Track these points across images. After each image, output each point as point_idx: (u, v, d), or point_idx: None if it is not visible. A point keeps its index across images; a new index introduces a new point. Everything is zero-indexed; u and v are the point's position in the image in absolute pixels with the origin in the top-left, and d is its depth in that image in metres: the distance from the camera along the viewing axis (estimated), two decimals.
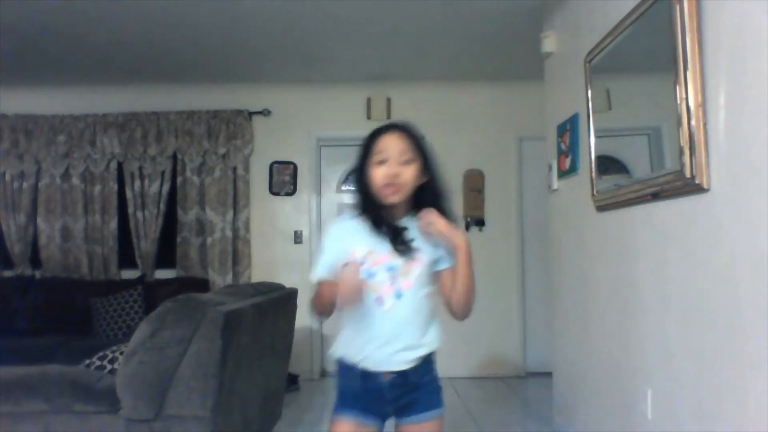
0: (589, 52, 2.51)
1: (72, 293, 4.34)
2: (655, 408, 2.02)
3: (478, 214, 4.65)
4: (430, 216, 1.39)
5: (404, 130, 1.46)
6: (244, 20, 3.46)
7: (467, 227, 4.65)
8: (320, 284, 1.46)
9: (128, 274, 4.64)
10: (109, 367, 2.10)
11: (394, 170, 1.39)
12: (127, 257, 4.68)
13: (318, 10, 3.32)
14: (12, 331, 4.10)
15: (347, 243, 1.43)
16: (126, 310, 4.13)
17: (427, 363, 1.46)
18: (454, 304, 1.45)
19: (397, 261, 1.40)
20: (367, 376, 1.43)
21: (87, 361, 2.15)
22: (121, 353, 2.03)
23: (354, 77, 4.62)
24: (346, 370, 1.47)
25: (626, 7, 2.13)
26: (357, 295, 1.31)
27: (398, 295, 1.40)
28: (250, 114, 4.68)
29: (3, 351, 3.47)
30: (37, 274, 4.66)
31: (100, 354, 2.17)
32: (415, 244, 1.42)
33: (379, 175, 1.40)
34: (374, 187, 1.42)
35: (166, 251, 4.67)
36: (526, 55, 3.71)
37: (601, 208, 2.49)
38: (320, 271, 1.46)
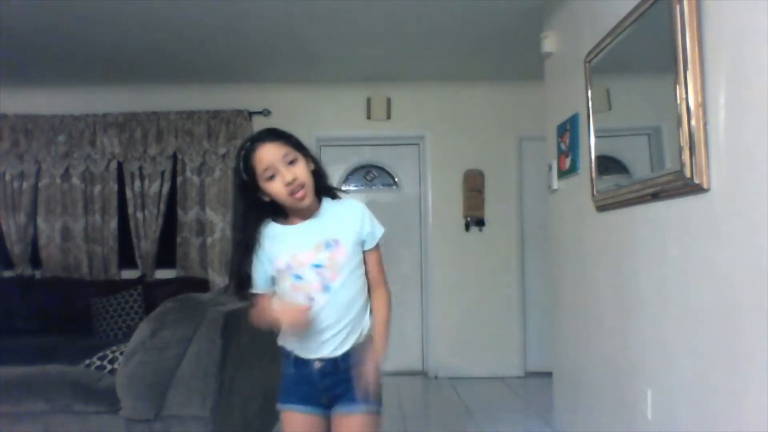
0: (589, 52, 2.51)
1: (72, 293, 4.34)
2: (655, 408, 2.02)
3: (478, 214, 4.65)
4: (368, 375, 1.43)
5: (275, 137, 1.45)
6: (244, 20, 3.46)
7: (467, 227, 4.66)
8: (258, 298, 1.49)
9: (128, 274, 4.64)
10: (109, 367, 2.10)
11: (289, 176, 1.38)
12: (127, 257, 4.68)
13: (318, 10, 3.32)
14: (12, 331, 4.10)
15: (272, 251, 1.44)
16: (126, 310, 4.13)
17: (356, 352, 1.46)
18: (372, 302, 1.51)
19: (321, 255, 1.41)
20: (300, 363, 1.46)
21: (87, 361, 2.15)
22: (121, 353, 2.03)
23: (354, 77, 4.62)
24: (284, 358, 1.51)
25: (626, 7, 2.13)
26: (304, 329, 1.38)
27: (326, 289, 1.41)
28: (250, 114, 4.68)
29: (3, 351, 3.47)
30: (37, 274, 4.66)
31: (100, 354, 2.17)
32: (335, 235, 1.43)
33: (278, 188, 1.39)
34: (281, 200, 1.41)
35: (166, 251, 4.67)
36: (526, 55, 3.72)
37: (601, 208, 2.49)
38: (256, 285, 1.47)
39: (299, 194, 1.39)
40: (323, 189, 1.49)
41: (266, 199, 1.43)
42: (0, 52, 3.86)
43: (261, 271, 1.46)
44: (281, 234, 1.45)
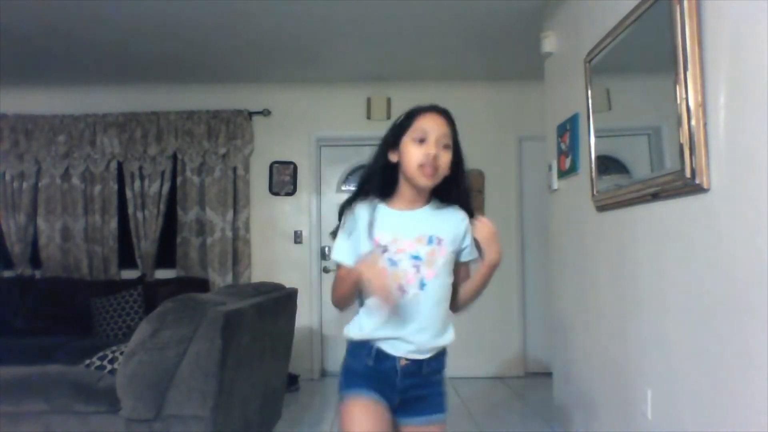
0: (589, 52, 2.51)
1: (72, 293, 4.34)
2: (655, 408, 2.02)
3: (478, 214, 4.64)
4: (489, 223, 1.38)
5: (447, 115, 1.42)
6: (244, 20, 3.46)
7: None
8: (342, 270, 1.41)
9: (128, 274, 4.64)
10: (109, 367, 2.10)
11: (434, 151, 1.34)
12: (127, 257, 4.68)
13: (318, 10, 3.32)
14: (12, 331, 4.10)
15: (371, 228, 1.38)
16: (126, 310, 4.13)
17: (440, 359, 1.43)
18: (458, 299, 1.45)
19: (422, 249, 1.37)
20: (383, 357, 1.38)
21: (87, 361, 2.15)
22: (121, 353, 2.03)
23: (354, 77, 4.62)
24: (359, 348, 1.41)
25: (626, 7, 2.13)
26: (391, 295, 1.28)
27: (422, 285, 1.36)
28: (250, 114, 4.68)
29: (3, 351, 3.47)
30: (37, 274, 4.66)
31: (100, 354, 2.17)
32: (440, 234, 1.39)
33: (417, 153, 1.34)
34: (407, 165, 1.36)
35: (166, 251, 4.67)
36: (526, 55, 3.71)
37: (601, 208, 2.49)
38: (343, 255, 1.40)
39: (428, 171, 1.33)
40: (448, 196, 1.44)
41: (393, 159, 1.39)
42: (0, 52, 3.86)
43: (353, 243, 1.39)
44: (384, 214, 1.40)
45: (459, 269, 1.45)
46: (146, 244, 4.63)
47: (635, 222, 2.19)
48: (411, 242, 1.37)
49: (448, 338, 1.44)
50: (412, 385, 1.40)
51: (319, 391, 4.24)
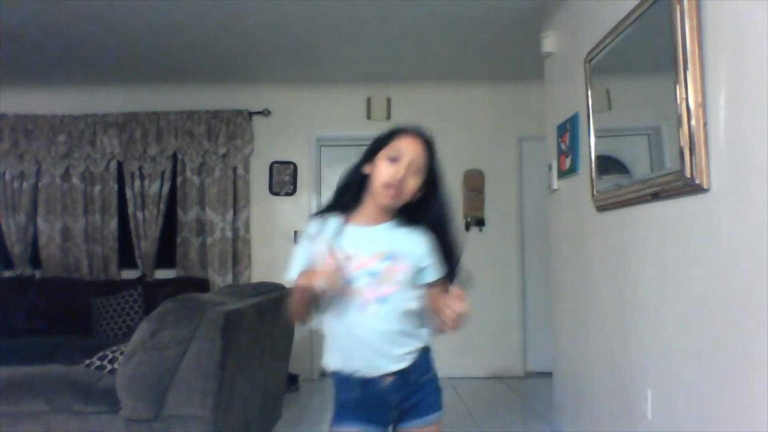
0: (589, 52, 2.51)
1: (72, 293, 4.34)
2: (655, 408, 2.02)
3: (478, 214, 4.65)
4: (462, 303, 1.26)
5: (427, 141, 1.41)
6: (244, 20, 3.46)
7: (467, 227, 4.65)
8: (296, 283, 1.40)
9: (128, 274, 4.64)
10: (109, 367, 2.10)
11: (403, 173, 1.34)
12: (127, 257, 4.68)
13: (318, 10, 3.32)
14: (12, 331, 4.10)
15: (332, 243, 1.37)
16: (126, 310, 4.13)
17: (424, 359, 1.42)
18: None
19: (380, 265, 1.35)
20: (367, 383, 1.38)
21: (87, 361, 2.15)
22: (121, 353, 2.03)
23: (354, 77, 4.62)
24: (343, 381, 1.42)
25: (626, 7, 2.13)
26: (336, 280, 1.25)
27: (381, 301, 1.34)
28: (250, 114, 4.68)
29: (3, 351, 3.47)
30: (37, 274, 4.66)
31: (100, 354, 2.17)
32: (399, 250, 1.37)
33: (386, 171, 1.35)
34: (375, 180, 1.37)
35: (166, 251, 4.67)
36: (526, 55, 3.72)
37: (601, 208, 2.49)
38: (296, 269, 1.40)
39: (391, 192, 1.34)
40: (443, 230, 1.41)
41: (366, 171, 1.40)
42: (0, 52, 3.86)
43: (307, 260, 1.37)
44: (343, 230, 1.39)
45: (429, 291, 1.41)
46: (146, 244, 4.63)
47: (635, 222, 2.19)
48: (369, 259, 1.36)
49: (421, 340, 1.42)
50: (406, 395, 1.39)
51: (319, 391, 4.24)
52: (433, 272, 1.41)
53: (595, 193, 2.53)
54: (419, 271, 1.40)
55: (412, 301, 1.39)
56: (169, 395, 1.86)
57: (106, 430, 1.89)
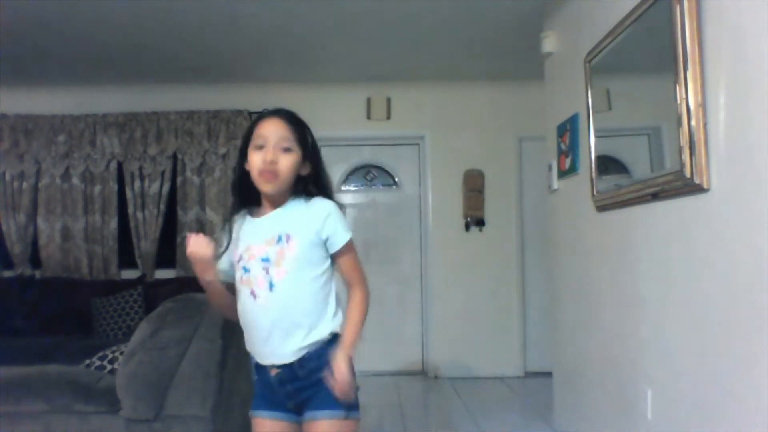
0: (589, 52, 2.51)
1: (72, 293, 4.34)
2: (655, 408, 2.02)
3: (478, 214, 4.65)
4: (338, 376, 1.32)
5: (287, 116, 1.42)
6: (244, 20, 3.46)
7: (467, 227, 4.66)
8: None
9: (128, 274, 4.64)
10: (109, 367, 2.10)
11: (270, 156, 1.34)
12: (127, 257, 4.68)
13: (318, 10, 3.32)
14: (12, 331, 4.09)
15: (235, 241, 1.43)
16: (126, 310, 4.13)
17: (318, 356, 1.35)
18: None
19: (271, 250, 1.35)
20: (260, 370, 1.40)
21: (87, 361, 2.15)
22: (121, 353, 2.03)
23: (354, 77, 4.62)
24: (253, 364, 1.45)
25: (626, 7, 2.13)
26: (205, 264, 1.35)
27: (270, 286, 1.34)
28: (250, 114, 4.67)
29: (3, 351, 3.47)
30: (37, 274, 4.66)
31: (100, 354, 2.17)
32: (288, 230, 1.36)
33: (255, 161, 1.36)
34: (252, 174, 1.38)
35: (166, 251, 4.67)
36: (526, 55, 3.72)
37: (601, 208, 2.50)
38: (219, 268, 1.45)
39: (267, 177, 1.35)
40: (309, 193, 1.43)
41: (247, 167, 1.41)
42: (0, 51, 3.86)
43: (224, 257, 1.44)
44: (245, 224, 1.44)
45: (336, 261, 1.41)
46: (146, 244, 4.63)
47: (635, 222, 2.19)
48: (261, 246, 1.36)
49: (319, 332, 1.36)
50: (294, 390, 1.37)
51: None
52: (335, 242, 1.39)
53: (595, 193, 2.53)
54: (319, 244, 1.38)
55: (312, 280, 1.36)
56: (169, 395, 1.86)
57: (106, 430, 1.89)
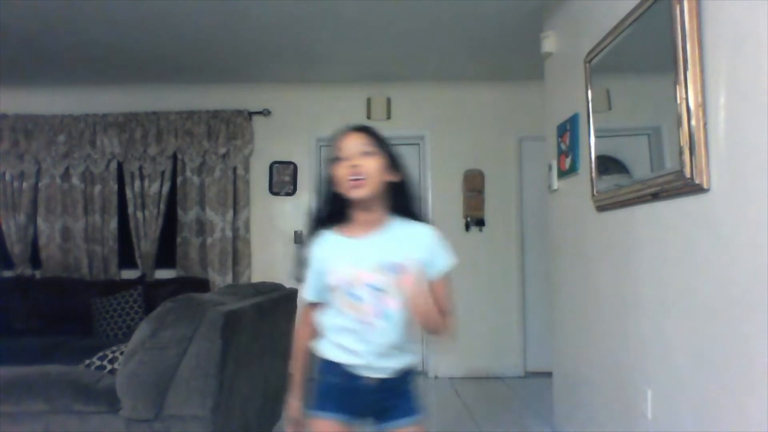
0: (589, 52, 2.51)
1: (72, 293, 4.34)
2: (655, 408, 2.02)
3: (478, 214, 4.65)
4: (409, 279, 1.28)
5: (363, 129, 1.44)
6: (243, 20, 3.46)
7: (467, 227, 4.65)
8: (308, 308, 1.50)
9: (128, 274, 4.64)
10: (109, 367, 2.10)
11: (353, 162, 1.36)
12: (127, 257, 4.68)
13: (318, 10, 3.32)
14: (12, 331, 4.10)
15: (328, 261, 1.40)
16: (126, 310, 4.13)
17: (407, 373, 1.46)
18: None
19: (384, 279, 1.35)
20: (350, 376, 1.41)
21: (87, 361, 2.15)
22: (121, 353, 2.03)
23: (354, 77, 4.62)
24: (329, 366, 1.44)
25: (626, 7, 2.13)
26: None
27: (385, 316, 1.36)
28: (250, 114, 4.68)
29: (3, 351, 3.47)
30: (37, 274, 4.66)
31: (100, 354, 2.17)
32: (402, 260, 1.34)
33: (341, 171, 1.37)
34: (340, 186, 1.38)
35: (166, 251, 4.68)
36: (526, 55, 3.71)
37: (601, 208, 2.49)
38: (309, 293, 1.47)
39: (354, 182, 1.35)
40: (402, 207, 1.44)
41: (335, 189, 1.41)
42: (0, 52, 3.86)
43: (313, 279, 1.44)
44: (340, 245, 1.41)
45: (432, 287, 1.39)
46: (146, 244, 4.63)
47: (635, 222, 2.19)
48: (371, 274, 1.36)
49: (411, 356, 1.46)
50: (382, 398, 1.42)
51: None
52: (438, 270, 1.43)
53: (595, 193, 2.53)
54: (425, 273, 1.38)
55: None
56: (169, 395, 1.86)
57: (106, 430, 1.88)
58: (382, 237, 1.40)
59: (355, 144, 1.39)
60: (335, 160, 1.40)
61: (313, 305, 1.48)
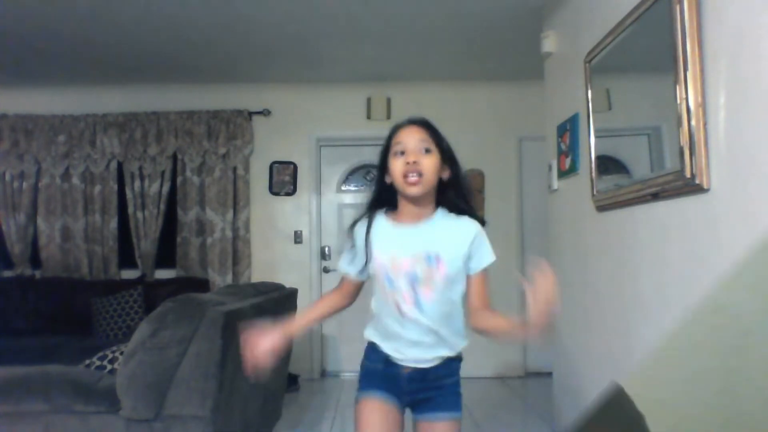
0: (589, 52, 2.51)
1: (72, 293, 4.34)
2: None
3: (478, 214, 4.64)
4: (550, 278, 1.24)
5: (422, 122, 1.45)
6: (244, 20, 3.46)
7: None
8: (343, 281, 1.53)
9: (128, 274, 4.65)
10: (109, 367, 2.10)
11: (413, 158, 1.37)
12: (127, 257, 4.68)
13: (318, 10, 3.32)
14: (12, 331, 4.10)
15: (373, 245, 1.43)
16: (126, 310, 4.13)
17: (449, 365, 1.45)
18: (478, 322, 1.43)
19: (419, 268, 1.37)
20: (389, 362, 1.45)
21: (87, 361, 2.15)
22: (121, 353, 2.03)
23: (354, 77, 4.62)
24: (373, 351, 1.49)
25: (626, 7, 2.13)
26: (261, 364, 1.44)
27: (418, 305, 1.38)
28: (250, 114, 4.68)
29: (3, 351, 3.47)
30: (37, 274, 4.66)
31: (100, 354, 2.17)
32: (439, 251, 1.38)
33: (399, 165, 1.38)
34: (395, 180, 1.40)
35: (166, 251, 4.68)
36: (526, 55, 3.72)
37: (601, 208, 2.49)
38: (343, 265, 1.51)
39: (411, 179, 1.36)
40: (450, 201, 1.45)
41: (388, 180, 1.42)
42: (0, 51, 3.86)
43: (350, 255, 1.49)
44: (385, 230, 1.44)
45: (471, 283, 1.44)
46: (146, 244, 4.63)
47: (635, 222, 2.19)
48: (408, 260, 1.38)
49: (454, 348, 1.45)
50: (419, 388, 1.44)
51: (319, 391, 4.24)
52: (477, 265, 1.45)
53: (595, 193, 2.53)
54: (464, 267, 1.43)
55: (453, 301, 1.42)
56: (169, 395, 1.86)
57: (106, 430, 1.88)
58: (425, 228, 1.42)
59: (414, 139, 1.39)
60: (394, 152, 1.40)
61: (348, 281, 1.52)
